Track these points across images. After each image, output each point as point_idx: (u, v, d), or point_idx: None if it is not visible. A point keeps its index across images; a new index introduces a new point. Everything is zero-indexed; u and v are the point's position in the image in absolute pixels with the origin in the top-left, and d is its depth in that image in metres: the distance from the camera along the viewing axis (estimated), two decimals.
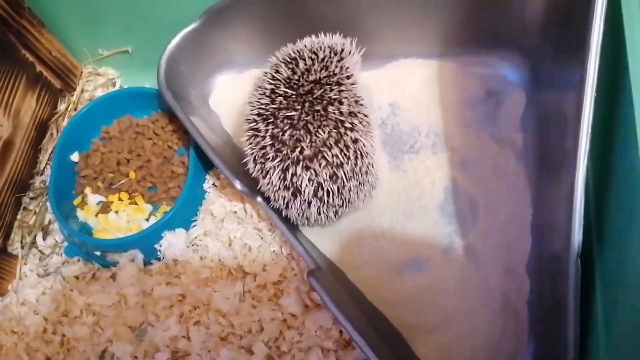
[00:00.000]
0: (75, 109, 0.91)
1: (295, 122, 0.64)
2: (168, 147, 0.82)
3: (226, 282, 0.71)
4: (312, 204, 0.66)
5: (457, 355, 0.64)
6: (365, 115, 0.67)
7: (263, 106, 0.66)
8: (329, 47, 0.68)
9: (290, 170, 0.64)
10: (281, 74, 0.67)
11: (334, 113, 0.64)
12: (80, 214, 0.79)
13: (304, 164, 0.63)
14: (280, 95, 0.65)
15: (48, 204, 0.80)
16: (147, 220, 0.79)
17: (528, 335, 0.64)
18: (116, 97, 0.85)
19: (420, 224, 0.73)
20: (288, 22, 0.79)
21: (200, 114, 0.80)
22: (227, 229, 0.75)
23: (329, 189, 0.65)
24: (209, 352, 0.67)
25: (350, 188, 0.65)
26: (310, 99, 0.64)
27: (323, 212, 0.67)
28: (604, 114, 0.56)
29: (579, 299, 0.53)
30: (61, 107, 0.92)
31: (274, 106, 0.65)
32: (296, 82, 0.66)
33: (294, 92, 0.65)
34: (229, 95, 0.84)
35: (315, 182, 0.64)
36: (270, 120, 0.65)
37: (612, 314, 0.52)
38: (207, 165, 0.79)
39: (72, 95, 0.93)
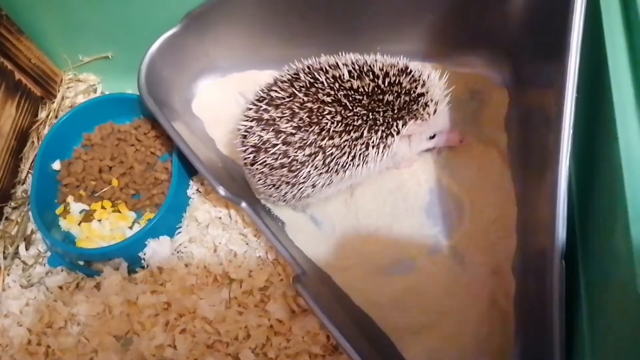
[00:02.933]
0: (56, 117, 0.90)
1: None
2: (151, 154, 0.82)
3: (212, 289, 0.71)
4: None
5: (444, 356, 0.64)
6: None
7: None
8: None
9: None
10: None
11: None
12: (63, 223, 0.78)
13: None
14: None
15: (30, 213, 0.79)
16: (131, 228, 0.78)
17: (515, 334, 0.64)
18: (97, 103, 0.84)
19: (406, 226, 0.72)
20: (269, 26, 0.78)
21: (183, 120, 0.79)
22: (212, 235, 0.74)
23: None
24: None
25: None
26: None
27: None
28: (586, 113, 0.56)
29: (564, 298, 0.53)
30: (42, 114, 0.91)
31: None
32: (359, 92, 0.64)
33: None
34: (212, 100, 0.83)
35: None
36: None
37: (597, 312, 0.52)
38: (190, 171, 0.78)
39: (53, 102, 0.92)
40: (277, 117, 0.64)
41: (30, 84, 0.87)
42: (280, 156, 0.65)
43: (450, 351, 0.64)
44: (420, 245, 0.71)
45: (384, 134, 0.64)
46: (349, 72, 0.64)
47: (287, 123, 0.64)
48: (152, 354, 0.67)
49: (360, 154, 0.64)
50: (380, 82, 0.64)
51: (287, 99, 0.65)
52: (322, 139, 0.63)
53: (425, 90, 0.65)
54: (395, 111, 0.64)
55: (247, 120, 0.67)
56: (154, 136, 0.82)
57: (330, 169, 0.65)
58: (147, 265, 0.73)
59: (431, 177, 0.75)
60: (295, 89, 0.65)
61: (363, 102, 0.63)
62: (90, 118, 0.84)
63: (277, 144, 0.65)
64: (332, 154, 0.64)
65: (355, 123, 0.63)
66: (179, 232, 0.75)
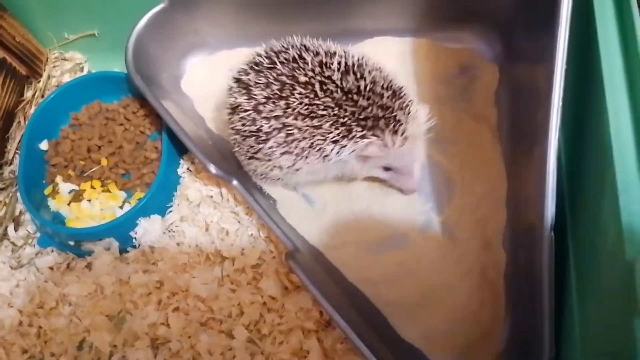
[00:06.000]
0: (43, 96, 0.89)
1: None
2: (140, 132, 0.81)
3: (204, 267, 0.71)
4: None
5: (436, 330, 0.65)
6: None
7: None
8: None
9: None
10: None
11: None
12: (52, 204, 0.78)
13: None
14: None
15: (18, 194, 0.78)
16: (121, 207, 0.77)
17: (505, 308, 0.65)
18: (84, 82, 0.83)
19: (397, 203, 0.73)
20: (258, 2, 0.77)
21: (172, 98, 0.78)
22: (203, 214, 0.74)
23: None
24: (189, 338, 0.66)
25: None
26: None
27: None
28: (575, 87, 0.57)
29: (553, 270, 0.54)
30: (28, 94, 0.89)
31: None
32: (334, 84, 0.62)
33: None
34: (201, 78, 0.82)
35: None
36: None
37: (585, 282, 0.52)
38: (181, 149, 0.78)
39: (39, 81, 0.90)
40: (254, 82, 0.64)
41: (15, 62, 0.85)
42: (249, 123, 0.65)
43: (441, 325, 0.65)
44: (412, 221, 0.71)
45: (342, 135, 0.61)
46: (339, 63, 0.63)
47: (260, 91, 0.64)
48: (145, 333, 0.67)
49: (318, 146, 0.62)
50: (362, 85, 0.61)
51: (267, 68, 0.64)
52: (287, 117, 0.62)
53: (404, 118, 0.62)
54: (362, 116, 0.61)
55: (233, 81, 0.68)
56: (143, 115, 0.82)
57: (291, 149, 0.64)
58: (139, 245, 0.73)
59: (422, 153, 0.75)
60: (278, 59, 0.64)
61: (335, 95, 0.61)
62: (78, 97, 0.82)
63: (249, 110, 0.65)
64: (292, 134, 0.63)
65: (319, 112, 0.61)
66: (170, 211, 0.75)
